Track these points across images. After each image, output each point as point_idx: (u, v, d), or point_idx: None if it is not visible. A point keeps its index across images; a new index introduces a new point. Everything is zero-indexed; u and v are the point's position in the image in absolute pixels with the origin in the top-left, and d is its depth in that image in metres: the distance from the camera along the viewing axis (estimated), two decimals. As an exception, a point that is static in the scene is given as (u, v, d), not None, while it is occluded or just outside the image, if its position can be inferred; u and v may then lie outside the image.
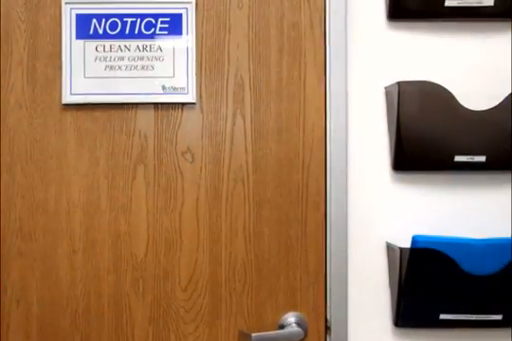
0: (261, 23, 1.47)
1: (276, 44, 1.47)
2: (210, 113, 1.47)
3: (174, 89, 1.45)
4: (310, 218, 1.45)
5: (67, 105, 1.45)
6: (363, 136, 1.46)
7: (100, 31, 1.45)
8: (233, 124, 1.46)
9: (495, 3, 1.40)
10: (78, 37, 1.45)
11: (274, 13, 1.47)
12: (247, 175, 1.46)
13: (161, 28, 1.45)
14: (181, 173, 1.46)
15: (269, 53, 1.47)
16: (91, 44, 1.45)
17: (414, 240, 1.35)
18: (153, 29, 1.45)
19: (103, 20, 1.45)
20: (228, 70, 1.46)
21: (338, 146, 1.44)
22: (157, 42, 1.45)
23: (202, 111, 1.46)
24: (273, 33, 1.47)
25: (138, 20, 1.45)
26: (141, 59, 1.45)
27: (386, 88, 1.46)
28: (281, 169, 1.46)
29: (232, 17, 1.47)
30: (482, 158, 1.39)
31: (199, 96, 1.46)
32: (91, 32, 1.44)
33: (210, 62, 1.46)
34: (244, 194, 1.46)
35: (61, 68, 1.45)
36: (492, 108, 1.40)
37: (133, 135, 1.46)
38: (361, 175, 1.46)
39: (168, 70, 1.45)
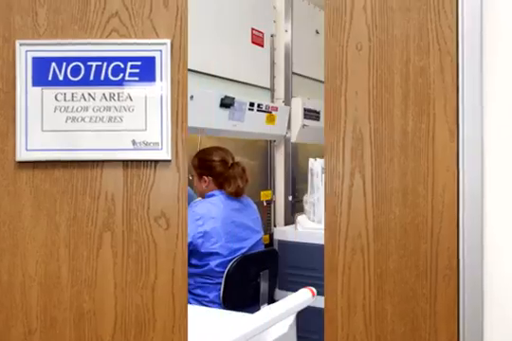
0: (383, 67, 1.29)
1: (400, 93, 1.29)
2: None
3: (146, 144, 1.27)
4: (440, 294, 1.28)
5: (22, 163, 1.29)
6: (503, 200, 1.26)
7: (61, 77, 1.28)
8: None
9: None
10: (35, 84, 1.28)
11: (398, 56, 1.29)
12: (367, 244, 1.29)
13: (131, 74, 1.28)
14: (154, 242, 1.29)
15: (392, 103, 1.29)
16: (50, 91, 1.28)
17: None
18: (121, 75, 1.28)
19: (64, 64, 1.28)
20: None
21: (473, 211, 1.26)
22: (127, 89, 1.28)
23: (178, 169, 1.28)
24: (397, 80, 1.29)
25: (105, 64, 1.28)
26: (108, 109, 1.28)
27: (532, 142, 1.28)
28: (406, 237, 1.29)
29: (350, 60, 1.29)
30: None
31: (175, 152, 1.28)
32: (50, 78, 1.28)
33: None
34: (363, 265, 1.30)
35: (15, 120, 1.28)
36: None
37: (98, 198, 1.30)
38: (500, 246, 1.27)
39: (139, 122, 1.27)
